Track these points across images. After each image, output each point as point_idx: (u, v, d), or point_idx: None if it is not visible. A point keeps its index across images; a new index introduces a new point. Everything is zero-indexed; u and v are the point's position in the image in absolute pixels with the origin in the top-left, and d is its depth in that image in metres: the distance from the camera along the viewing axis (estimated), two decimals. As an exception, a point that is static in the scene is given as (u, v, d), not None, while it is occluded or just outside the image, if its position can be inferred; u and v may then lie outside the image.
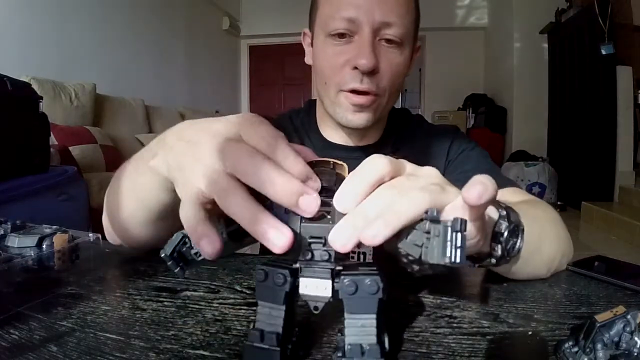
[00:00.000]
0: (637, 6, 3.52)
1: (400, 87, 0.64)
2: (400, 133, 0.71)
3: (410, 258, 0.24)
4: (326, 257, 0.26)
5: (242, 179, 0.25)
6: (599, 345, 0.25)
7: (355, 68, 0.57)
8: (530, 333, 0.33)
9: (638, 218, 2.69)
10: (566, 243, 0.47)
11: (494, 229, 0.32)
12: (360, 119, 0.60)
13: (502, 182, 0.58)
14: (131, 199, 0.41)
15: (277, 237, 0.24)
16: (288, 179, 0.25)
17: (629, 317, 0.25)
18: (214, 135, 0.28)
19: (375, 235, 0.23)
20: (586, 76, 3.77)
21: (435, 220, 0.22)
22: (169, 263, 0.26)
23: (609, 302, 0.39)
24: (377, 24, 0.56)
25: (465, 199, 0.23)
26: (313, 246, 0.26)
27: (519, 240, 0.34)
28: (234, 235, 0.27)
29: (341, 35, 0.58)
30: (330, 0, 0.59)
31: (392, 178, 0.27)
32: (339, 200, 0.25)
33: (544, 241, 0.43)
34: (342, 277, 0.25)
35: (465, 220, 0.21)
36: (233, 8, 5.84)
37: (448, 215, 0.25)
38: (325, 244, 0.25)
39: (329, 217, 0.26)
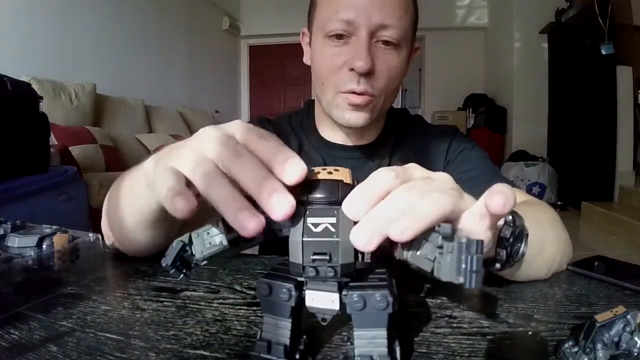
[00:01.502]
0: (637, 6, 3.52)
1: (397, 88, 0.64)
2: (399, 133, 0.71)
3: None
4: (332, 274, 0.24)
5: (224, 169, 0.25)
6: (599, 345, 0.25)
7: (352, 69, 0.57)
8: (530, 333, 0.33)
9: (638, 218, 2.69)
10: (566, 244, 0.48)
11: (499, 234, 0.32)
12: (357, 117, 0.60)
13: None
14: (125, 204, 0.41)
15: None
16: (265, 175, 0.24)
17: (629, 317, 0.25)
18: (209, 135, 0.27)
19: (404, 230, 0.21)
20: (586, 76, 3.77)
21: (449, 237, 0.21)
22: (171, 272, 0.26)
23: (609, 302, 0.39)
24: (374, 26, 0.56)
25: (489, 207, 0.22)
26: (317, 263, 0.24)
27: (523, 245, 0.33)
28: (234, 242, 0.27)
29: (339, 37, 0.58)
30: (329, 2, 0.59)
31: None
32: (350, 206, 0.23)
33: (545, 243, 0.43)
34: (349, 291, 0.24)
35: (482, 242, 0.20)
36: (233, 8, 5.84)
37: (467, 221, 0.24)
38: (330, 259, 0.24)
39: (333, 230, 0.24)
